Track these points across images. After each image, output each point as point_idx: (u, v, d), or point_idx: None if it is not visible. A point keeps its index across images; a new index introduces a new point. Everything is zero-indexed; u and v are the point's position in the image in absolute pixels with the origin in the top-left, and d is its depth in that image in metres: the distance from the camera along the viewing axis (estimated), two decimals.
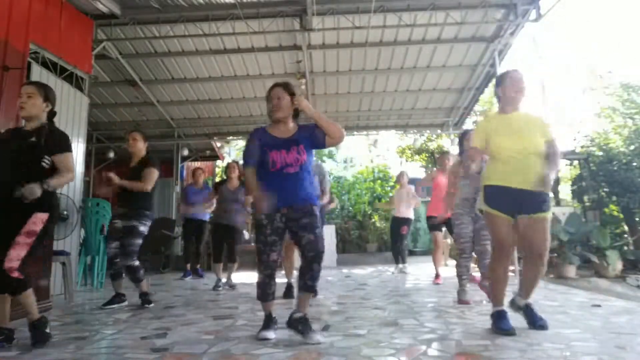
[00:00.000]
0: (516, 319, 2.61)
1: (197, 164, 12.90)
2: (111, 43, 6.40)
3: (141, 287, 3.82)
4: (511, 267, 4.18)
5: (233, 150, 15.45)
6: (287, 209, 2.48)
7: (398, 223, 6.57)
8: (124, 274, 3.83)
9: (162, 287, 5.38)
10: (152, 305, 3.78)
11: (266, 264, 2.48)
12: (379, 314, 3.18)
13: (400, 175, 6.78)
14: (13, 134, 2.58)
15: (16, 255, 2.31)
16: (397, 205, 6.59)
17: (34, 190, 2.31)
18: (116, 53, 6.72)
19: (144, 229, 3.79)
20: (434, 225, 5.28)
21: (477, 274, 4.81)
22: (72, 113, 5.18)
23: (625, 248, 6.44)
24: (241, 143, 15.33)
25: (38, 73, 4.69)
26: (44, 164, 2.46)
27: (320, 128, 2.54)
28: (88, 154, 8.04)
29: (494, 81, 7.74)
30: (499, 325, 2.51)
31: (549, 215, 2.59)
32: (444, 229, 5.55)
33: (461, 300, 3.62)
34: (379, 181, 10.51)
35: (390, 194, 10.25)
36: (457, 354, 2.07)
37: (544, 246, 2.55)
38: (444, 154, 5.64)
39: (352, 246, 9.78)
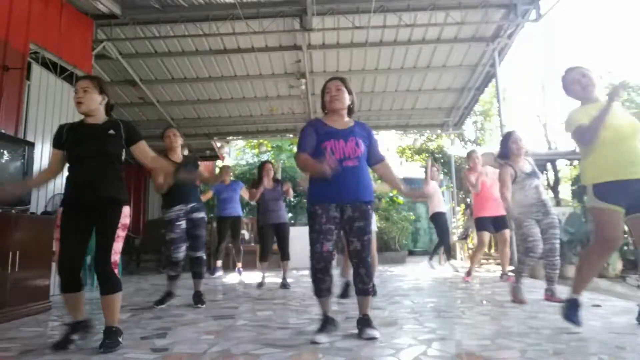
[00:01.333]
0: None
1: (198, 164, 12.91)
2: (111, 43, 6.40)
3: (199, 285, 3.82)
4: (510, 268, 4.18)
5: (233, 150, 15.43)
6: (345, 204, 2.44)
7: (437, 218, 6.42)
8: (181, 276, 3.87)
9: (163, 287, 5.36)
10: (204, 305, 3.70)
11: (320, 256, 2.38)
12: (379, 314, 3.18)
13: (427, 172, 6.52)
14: (85, 129, 2.48)
15: (118, 248, 2.36)
16: (430, 203, 6.45)
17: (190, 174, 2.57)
18: (116, 53, 6.72)
19: (206, 219, 3.92)
20: (482, 225, 5.21)
21: (511, 274, 4.81)
22: (72, 113, 5.17)
23: (625, 248, 6.44)
24: (241, 143, 15.32)
25: (38, 73, 4.70)
26: (122, 156, 2.49)
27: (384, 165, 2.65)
28: None
29: (493, 81, 7.78)
30: (569, 314, 2.49)
31: None
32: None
33: (517, 299, 3.57)
34: (379, 181, 10.50)
35: (390, 194, 10.26)
36: (457, 354, 2.07)
37: None
38: (471, 153, 5.52)
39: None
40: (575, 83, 2.68)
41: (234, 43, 6.83)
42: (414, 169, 14.29)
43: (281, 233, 5.17)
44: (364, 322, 2.45)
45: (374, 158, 2.63)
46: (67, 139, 2.43)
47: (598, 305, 3.35)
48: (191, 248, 3.78)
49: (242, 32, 6.22)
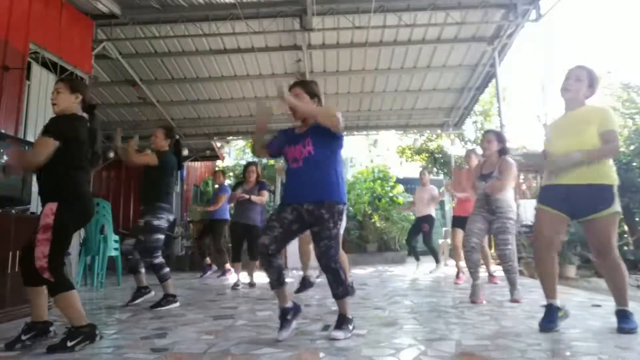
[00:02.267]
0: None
1: (198, 164, 12.92)
2: (111, 43, 6.41)
3: (165, 288, 3.68)
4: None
5: (233, 150, 15.44)
6: (298, 205, 2.45)
7: (418, 221, 6.47)
8: (140, 269, 3.84)
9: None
10: (176, 305, 3.67)
11: (257, 247, 2.45)
12: (379, 314, 3.18)
13: (422, 174, 6.60)
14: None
15: (40, 252, 2.26)
16: (416, 205, 6.48)
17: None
18: (116, 53, 6.72)
19: (158, 222, 3.64)
20: (457, 223, 5.26)
21: (497, 275, 4.82)
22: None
23: (625, 248, 6.45)
24: (241, 143, 15.32)
25: (38, 73, 4.70)
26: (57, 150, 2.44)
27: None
28: None
29: (493, 81, 7.78)
30: (543, 321, 2.49)
31: (607, 211, 2.43)
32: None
33: (473, 300, 3.57)
34: (378, 181, 10.49)
35: (390, 194, 10.25)
36: (457, 354, 2.07)
37: (603, 247, 2.47)
38: (470, 152, 5.53)
39: (352, 246, 9.77)
40: (562, 83, 2.65)
41: (234, 43, 6.83)
42: (414, 169, 14.30)
43: (251, 235, 5.08)
44: (338, 320, 2.48)
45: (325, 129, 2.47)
46: None
47: (598, 305, 3.35)
48: (139, 251, 3.70)
49: (242, 32, 6.22)
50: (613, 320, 2.61)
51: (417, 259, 6.62)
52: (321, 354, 2.11)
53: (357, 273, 6.84)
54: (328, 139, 2.48)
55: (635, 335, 2.38)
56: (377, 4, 5.78)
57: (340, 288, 2.45)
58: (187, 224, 9.96)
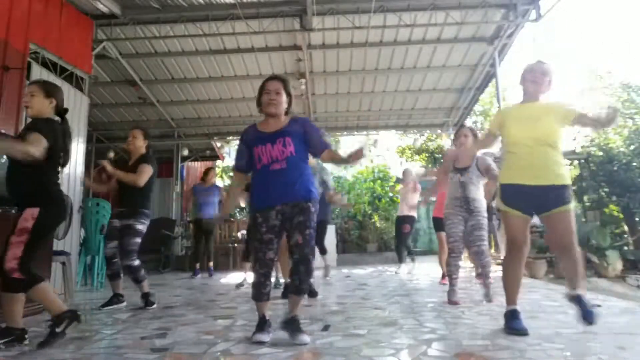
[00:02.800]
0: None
1: (198, 164, 12.92)
2: (111, 43, 6.41)
3: (142, 288, 3.73)
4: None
5: (233, 150, 15.44)
6: (282, 205, 2.41)
7: (399, 222, 6.53)
8: (121, 275, 3.78)
9: (162, 287, 5.38)
10: (154, 306, 3.71)
11: (262, 262, 2.42)
12: (379, 314, 3.18)
13: (404, 173, 6.70)
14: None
15: (12, 254, 2.28)
16: (400, 204, 6.57)
17: None
18: (116, 53, 6.72)
19: (141, 227, 3.71)
20: (438, 225, 5.27)
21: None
22: (72, 113, 5.13)
23: (625, 248, 6.44)
24: None
25: (38, 73, 4.69)
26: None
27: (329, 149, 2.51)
28: (88, 154, 8.02)
29: (493, 81, 7.78)
30: (511, 324, 2.48)
31: (568, 207, 2.49)
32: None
33: (451, 301, 3.55)
34: (379, 181, 10.50)
35: (390, 194, 10.26)
36: (457, 354, 2.07)
37: (568, 240, 2.49)
38: (463, 129, 5.58)
39: (352, 246, 9.78)
40: (523, 76, 2.68)
41: (234, 43, 6.83)
42: (413, 169, 14.28)
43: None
44: (293, 323, 2.38)
45: (315, 148, 2.53)
46: None
47: (598, 305, 3.34)
48: (119, 255, 3.69)
49: (242, 32, 6.21)
50: (613, 320, 2.62)
51: (413, 259, 6.66)
52: (321, 354, 2.11)
53: (357, 273, 6.84)
54: (303, 139, 2.52)
55: (635, 335, 2.38)
56: (377, 4, 5.78)
57: (307, 283, 2.41)
58: (187, 224, 9.96)
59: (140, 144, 3.84)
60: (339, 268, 7.78)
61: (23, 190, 2.41)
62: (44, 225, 2.41)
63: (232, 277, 6.42)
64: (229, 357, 2.11)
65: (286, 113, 2.60)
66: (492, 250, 6.78)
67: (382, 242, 9.56)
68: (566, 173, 2.58)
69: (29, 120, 2.55)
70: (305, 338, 2.33)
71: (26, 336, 2.40)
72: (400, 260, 6.56)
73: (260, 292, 2.46)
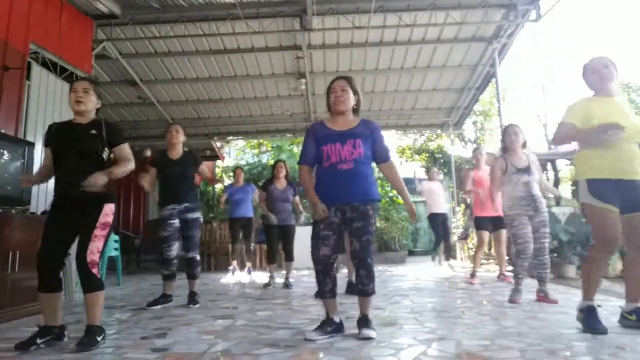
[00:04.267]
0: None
1: None
2: (111, 43, 6.41)
3: (194, 285, 3.84)
4: (509, 268, 4.19)
5: (233, 150, 15.44)
6: (343, 205, 2.44)
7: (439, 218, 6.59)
8: (176, 275, 3.83)
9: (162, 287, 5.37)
10: (197, 305, 3.72)
11: (317, 259, 2.44)
12: (379, 314, 3.18)
13: (430, 171, 6.82)
14: (69, 128, 2.52)
15: (96, 248, 2.34)
16: (435, 200, 6.58)
17: (100, 178, 2.32)
18: (116, 53, 6.72)
19: (202, 219, 3.89)
20: (481, 224, 5.25)
21: (509, 274, 4.81)
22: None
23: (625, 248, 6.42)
24: (241, 143, 15.31)
25: (38, 73, 4.70)
26: (104, 155, 2.49)
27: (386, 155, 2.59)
28: None
29: (493, 81, 7.78)
30: (591, 323, 2.41)
31: None
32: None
33: (512, 300, 3.55)
34: (379, 181, 10.51)
35: (391, 194, 10.25)
36: (457, 354, 2.07)
37: None
38: (476, 150, 5.55)
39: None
40: (595, 72, 2.60)
41: (234, 43, 6.83)
42: (413, 169, 14.30)
43: (286, 235, 5.17)
44: (363, 322, 2.47)
45: (378, 157, 2.60)
46: (54, 137, 2.48)
47: (598, 305, 3.34)
48: (184, 248, 3.78)
49: (242, 32, 6.22)
50: (613, 320, 2.62)
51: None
52: (321, 354, 2.11)
53: None
54: (371, 141, 2.55)
55: (635, 336, 2.38)
56: (377, 4, 5.79)
57: (372, 285, 2.45)
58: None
59: (182, 139, 3.90)
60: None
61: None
62: (115, 223, 2.52)
63: (232, 277, 6.42)
64: (229, 357, 2.11)
65: (355, 111, 2.64)
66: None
67: (382, 242, 9.55)
68: None
69: (82, 116, 2.52)
70: (371, 332, 2.38)
71: (65, 332, 2.44)
72: (447, 257, 6.73)
73: (321, 289, 2.50)
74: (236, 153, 16.01)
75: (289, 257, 5.21)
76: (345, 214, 2.46)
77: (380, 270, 7.13)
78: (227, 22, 6.14)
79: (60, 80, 5.04)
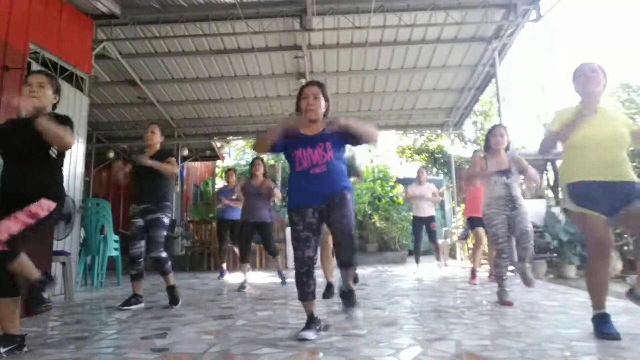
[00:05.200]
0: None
1: (198, 164, 12.93)
2: (111, 43, 6.40)
3: (169, 280, 3.79)
4: (510, 268, 4.20)
5: (233, 150, 15.45)
6: (320, 204, 2.46)
7: (422, 222, 6.39)
8: (144, 275, 3.80)
9: (163, 287, 5.37)
10: (179, 303, 3.73)
11: (301, 261, 2.45)
12: (379, 314, 3.18)
13: (420, 172, 6.61)
14: (15, 124, 2.40)
15: (6, 227, 2.14)
16: (418, 204, 6.38)
17: (30, 102, 2.25)
18: (116, 53, 6.72)
19: (167, 220, 3.79)
20: (475, 223, 5.24)
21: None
22: (72, 113, 5.15)
23: (625, 248, 6.43)
24: (241, 143, 15.33)
25: None
26: (51, 152, 2.37)
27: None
28: (88, 154, 8.04)
29: (493, 81, 7.77)
30: (603, 329, 2.36)
31: None
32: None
33: (503, 302, 3.51)
34: (379, 181, 10.50)
35: (391, 194, 10.25)
36: (457, 354, 2.07)
37: None
38: (475, 152, 5.50)
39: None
40: (581, 76, 2.60)
41: (234, 43, 6.83)
42: (413, 169, 14.30)
43: (263, 232, 5.10)
44: (349, 296, 2.47)
45: (350, 138, 2.54)
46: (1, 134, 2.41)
47: None
48: (146, 249, 3.73)
49: (242, 32, 6.21)
50: (613, 320, 2.61)
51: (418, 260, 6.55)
52: (321, 354, 2.11)
53: (357, 273, 6.83)
54: (343, 144, 2.57)
55: (635, 336, 2.38)
56: (377, 4, 5.78)
57: (353, 255, 2.42)
58: (187, 224, 9.96)
59: (158, 140, 3.92)
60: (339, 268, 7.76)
61: (40, 182, 2.35)
62: (50, 220, 2.38)
63: (232, 277, 6.42)
64: (229, 357, 2.11)
65: (324, 116, 2.64)
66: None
67: (382, 242, 9.55)
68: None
69: (30, 112, 2.35)
70: (359, 314, 2.43)
71: (25, 343, 2.26)
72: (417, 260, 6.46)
73: (304, 291, 2.49)
74: (236, 153, 16.03)
75: (273, 253, 5.23)
76: (322, 211, 2.47)
77: (380, 270, 7.14)
78: (227, 22, 6.14)
79: (60, 80, 5.03)
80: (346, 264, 2.44)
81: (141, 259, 3.72)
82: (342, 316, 3.10)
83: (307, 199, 2.48)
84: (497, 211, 3.63)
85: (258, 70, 7.62)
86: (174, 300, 3.75)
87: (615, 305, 3.39)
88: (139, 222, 3.73)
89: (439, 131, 10.81)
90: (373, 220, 9.74)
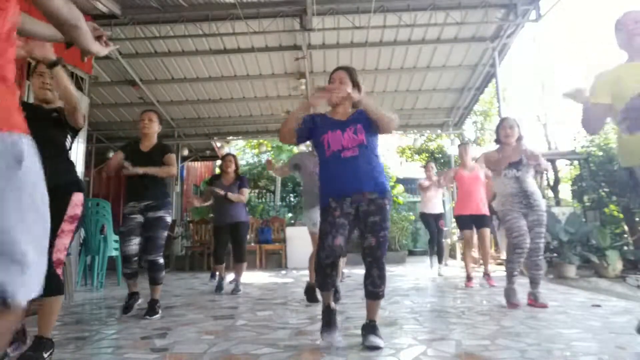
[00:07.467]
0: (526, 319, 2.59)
1: (198, 164, 12.93)
2: (111, 43, 6.39)
3: (156, 292, 3.37)
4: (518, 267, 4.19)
5: (233, 150, 15.46)
6: (357, 195, 2.30)
7: (434, 219, 6.17)
8: (138, 274, 3.49)
9: (163, 287, 5.35)
10: (157, 316, 3.25)
11: (330, 250, 2.24)
12: (379, 314, 3.17)
13: (428, 167, 6.36)
14: (33, 110, 2.22)
15: (62, 244, 2.06)
16: (428, 200, 6.16)
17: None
18: (116, 53, 6.72)
19: (169, 220, 3.46)
20: (464, 223, 5.07)
21: (493, 276, 4.78)
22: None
23: (625, 248, 6.43)
24: (241, 143, 15.33)
25: None
26: (67, 142, 2.29)
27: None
28: (88, 154, 8.04)
29: (493, 81, 7.77)
30: None
31: None
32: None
33: (512, 303, 3.34)
34: None
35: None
36: (457, 354, 2.07)
37: None
38: (461, 146, 5.34)
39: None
40: (623, 28, 2.21)
41: (234, 43, 6.83)
42: (413, 169, 14.31)
43: (236, 233, 4.71)
44: (370, 328, 2.28)
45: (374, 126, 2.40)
46: None
47: (598, 305, 3.35)
48: (143, 250, 3.36)
49: (242, 32, 6.21)
50: (613, 320, 2.62)
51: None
52: (321, 354, 2.11)
53: (357, 273, 6.83)
54: (374, 128, 2.39)
55: (635, 336, 2.38)
56: (377, 4, 5.79)
57: (383, 286, 2.30)
58: (187, 224, 9.96)
59: (156, 129, 3.53)
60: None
61: (67, 174, 2.24)
62: (85, 215, 2.24)
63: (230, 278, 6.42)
64: (229, 357, 2.11)
65: (354, 106, 2.51)
66: (493, 251, 6.78)
67: None
68: None
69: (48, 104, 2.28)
70: (379, 341, 2.19)
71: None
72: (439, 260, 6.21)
73: (326, 282, 2.33)
74: (236, 153, 16.02)
75: (240, 258, 4.75)
76: (360, 206, 2.31)
77: None
78: (227, 22, 6.14)
79: None
80: (373, 296, 2.29)
81: (136, 258, 3.40)
82: (342, 316, 3.11)
83: (340, 187, 2.31)
84: (512, 208, 3.45)
85: (258, 70, 7.62)
86: (152, 312, 3.27)
87: (615, 305, 3.40)
88: (138, 218, 3.36)
89: (439, 131, 10.80)
90: None
